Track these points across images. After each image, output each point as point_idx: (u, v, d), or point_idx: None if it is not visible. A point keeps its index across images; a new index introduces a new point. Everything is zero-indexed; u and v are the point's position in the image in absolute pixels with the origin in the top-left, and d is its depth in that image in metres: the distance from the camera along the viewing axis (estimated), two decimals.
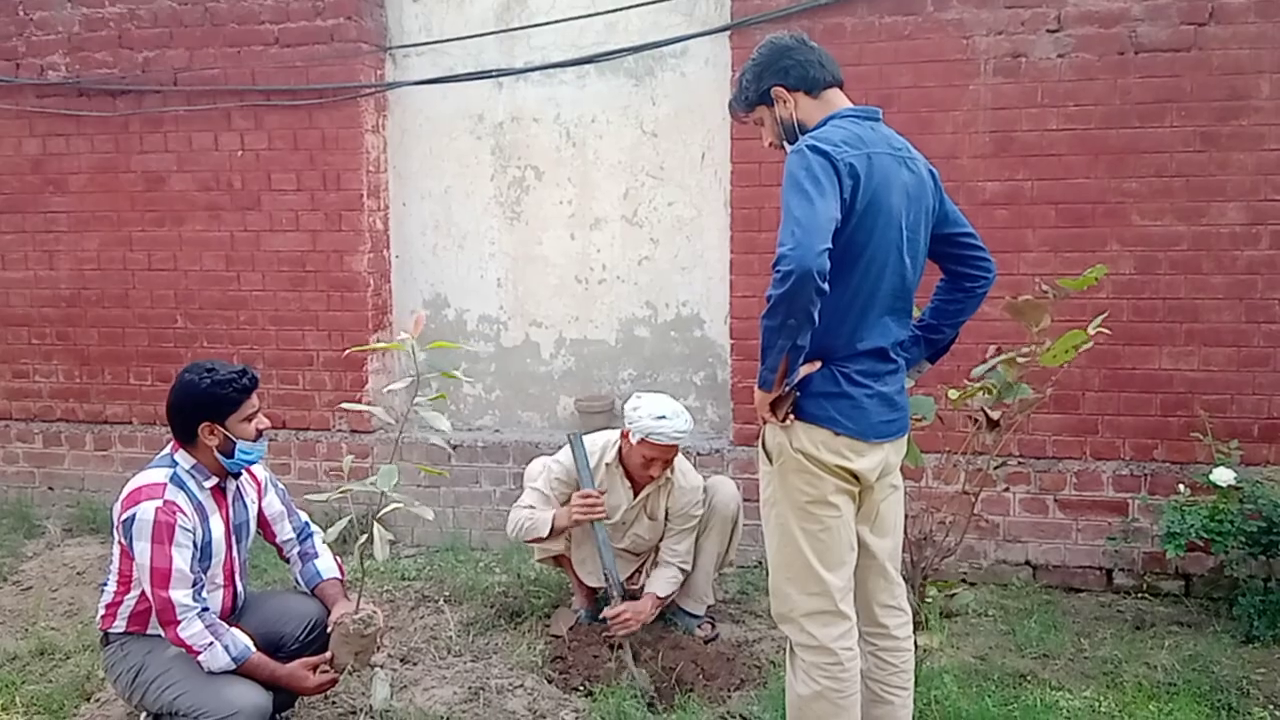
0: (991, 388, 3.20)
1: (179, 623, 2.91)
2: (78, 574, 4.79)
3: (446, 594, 4.53)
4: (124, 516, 2.95)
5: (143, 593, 2.99)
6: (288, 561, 3.43)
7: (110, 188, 5.58)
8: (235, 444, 3.04)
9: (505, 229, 5.41)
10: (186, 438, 3.07)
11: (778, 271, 2.39)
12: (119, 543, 3.01)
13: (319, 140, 5.32)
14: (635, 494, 3.95)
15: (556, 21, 5.15)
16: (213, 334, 5.56)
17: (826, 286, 2.39)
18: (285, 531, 3.37)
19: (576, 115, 5.25)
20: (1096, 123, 4.44)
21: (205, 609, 2.96)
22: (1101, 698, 3.60)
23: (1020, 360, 3.34)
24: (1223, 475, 4.08)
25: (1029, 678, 3.75)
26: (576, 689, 3.73)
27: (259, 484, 3.31)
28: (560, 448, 4.10)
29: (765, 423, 2.72)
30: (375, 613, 3.21)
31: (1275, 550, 4.00)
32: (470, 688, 3.66)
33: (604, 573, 3.85)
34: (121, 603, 3.05)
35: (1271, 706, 3.53)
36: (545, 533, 3.87)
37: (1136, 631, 4.17)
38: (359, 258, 5.33)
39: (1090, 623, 4.26)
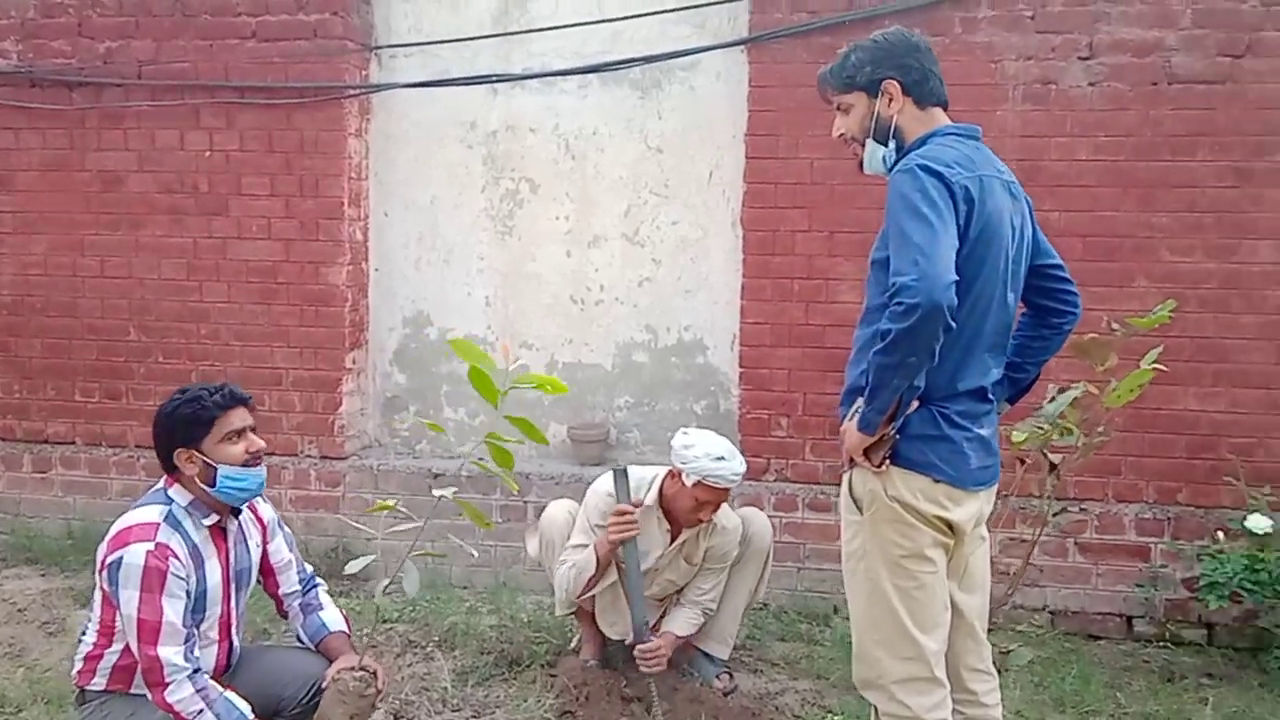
0: (1069, 428, 3.00)
1: (167, 685, 2.53)
2: (19, 610, 4.31)
3: (435, 639, 4.16)
4: (110, 559, 2.57)
5: (127, 646, 2.61)
6: (285, 616, 3.05)
7: (62, 187, 5.11)
8: (216, 469, 2.66)
9: (496, 244, 5.09)
10: (169, 468, 2.71)
11: (899, 304, 2.14)
12: (101, 589, 2.63)
13: (297, 142, 4.94)
14: (673, 539, 3.65)
15: (559, 27, 4.86)
16: (170, 348, 5.12)
17: (953, 323, 2.15)
18: (290, 582, 3.00)
19: (577, 127, 4.96)
20: (1127, 154, 4.31)
21: (197, 669, 2.59)
22: None
23: (1081, 400, 3.16)
24: (1259, 522, 3.95)
25: None
26: None
27: (264, 526, 2.94)
28: (587, 482, 3.78)
29: (852, 467, 2.46)
30: (378, 670, 2.86)
31: None
32: None
33: (630, 604, 3.52)
34: (102, 656, 2.66)
35: None
36: (594, 568, 3.54)
37: (1167, 684, 3.99)
38: (337, 270, 4.95)
39: (1118, 674, 4.07)
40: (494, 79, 4.93)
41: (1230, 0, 4.20)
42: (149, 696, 2.58)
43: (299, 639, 3.02)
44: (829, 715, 3.64)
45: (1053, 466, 3.19)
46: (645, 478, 3.69)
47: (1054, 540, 4.45)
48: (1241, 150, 4.22)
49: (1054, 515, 3.34)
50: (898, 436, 2.35)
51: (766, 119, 4.54)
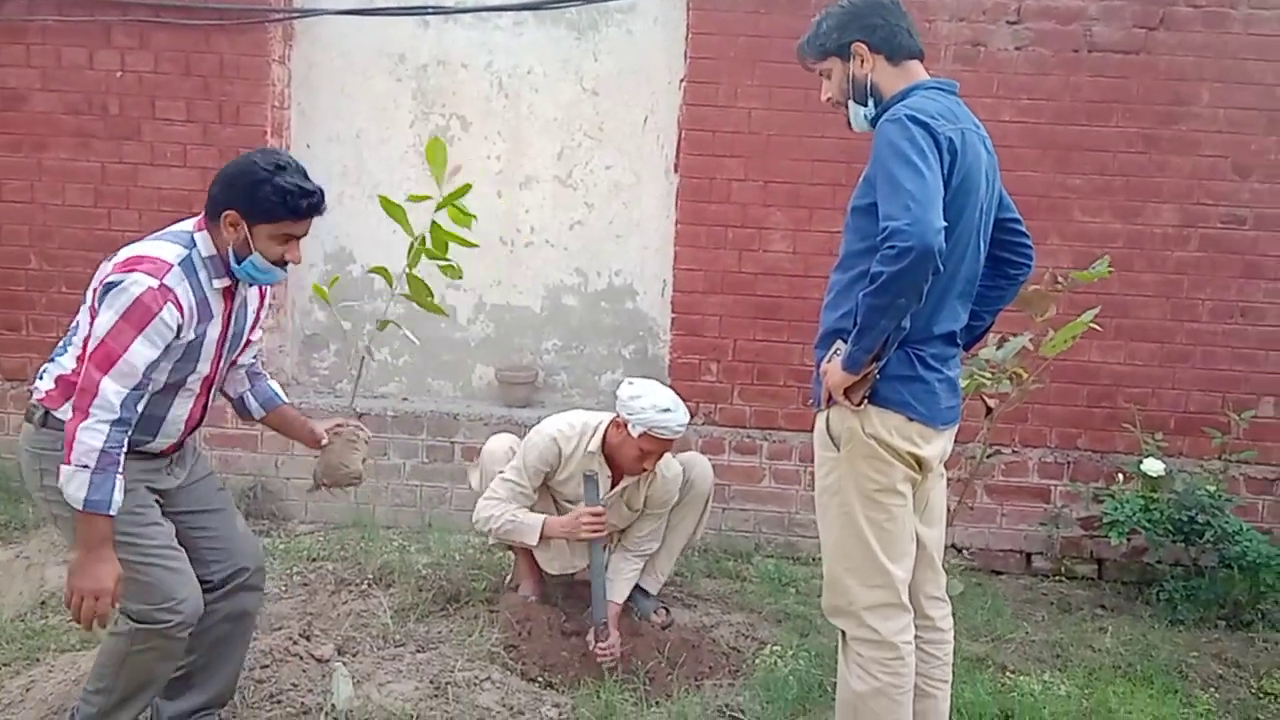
0: (1019, 372, 3.18)
1: (88, 416, 2.38)
2: None
3: (370, 577, 4.14)
4: (110, 279, 2.44)
5: None
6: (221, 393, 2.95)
7: None
8: (250, 254, 2.55)
9: (424, 181, 4.97)
10: (213, 215, 2.58)
11: (891, 247, 2.24)
12: (91, 307, 2.49)
13: (216, 66, 4.74)
14: (614, 484, 3.71)
15: None
16: (74, 277, 4.86)
17: (942, 267, 2.26)
18: (249, 355, 2.93)
19: (511, 65, 4.90)
20: (1047, 117, 4.53)
21: (127, 428, 2.44)
22: (1059, 682, 3.66)
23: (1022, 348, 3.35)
24: (1153, 466, 4.25)
25: (985, 662, 3.78)
26: (534, 680, 3.48)
27: (262, 297, 2.86)
28: (514, 423, 3.79)
29: (828, 405, 2.57)
30: (359, 424, 2.98)
31: (1195, 539, 4.20)
32: (431, 681, 3.33)
33: (593, 601, 3.58)
34: (76, 384, 2.51)
35: (1211, 689, 3.69)
36: (534, 541, 3.61)
37: (1065, 614, 4.30)
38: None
39: (1021, 606, 4.36)
40: (427, 10, 4.82)
41: None
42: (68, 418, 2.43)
43: (242, 404, 2.98)
44: (763, 646, 3.80)
45: (989, 410, 3.37)
46: (590, 424, 3.74)
47: (963, 481, 4.69)
48: (1150, 118, 4.49)
49: (987, 457, 3.53)
50: (878, 376, 2.46)
51: (706, 66, 4.58)
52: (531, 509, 3.70)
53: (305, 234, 2.63)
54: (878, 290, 2.28)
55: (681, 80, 4.70)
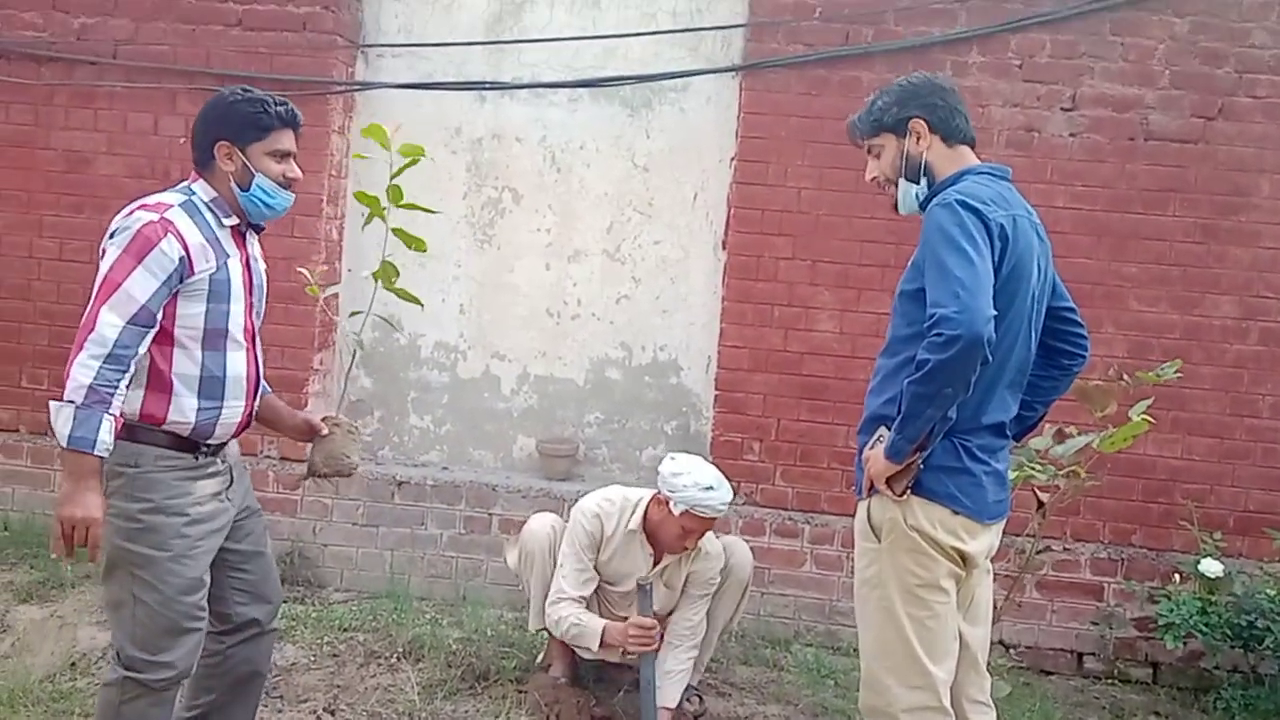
0: (1076, 470, 3.08)
1: (82, 350, 2.37)
2: None
3: (399, 650, 4.07)
4: (114, 226, 2.47)
5: (152, 367, 2.48)
6: None
7: (23, 164, 4.92)
8: (254, 176, 2.58)
9: (474, 252, 5.04)
10: (203, 160, 2.62)
11: (939, 335, 2.19)
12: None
13: None
14: (655, 562, 3.63)
15: (552, 40, 4.86)
16: None
17: (990, 356, 2.20)
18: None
19: (564, 140, 4.95)
20: (1102, 205, 4.46)
21: (122, 368, 2.39)
22: None
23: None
24: (1211, 567, 4.08)
25: None
26: None
27: (265, 264, 2.86)
28: (554, 497, 3.73)
29: (870, 494, 2.49)
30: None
31: (1255, 645, 4.01)
32: None
33: (642, 713, 3.48)
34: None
35: None
36: (595, 647, 3.51)
37: None
38: (311, 269, 4.83)
39: (1071, 709, 4.17)
40: (485, 86, 4.90)
41: (1206, 65, 4.39)
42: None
43: None
44: None
45: (1040, 505, 3.26)
46: (630, 500, 3.68)
47: (1011, 575, 4.54)
48: (1208, 208, 4.41)
49: (1038, 553, 3.41)
50: (922, 466, 2.38)
51: (757, 145, 4.59)
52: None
53: (295, 151, 2.68)
54: (924, 378, 2.23)
55: (732, 158, 4.72)
